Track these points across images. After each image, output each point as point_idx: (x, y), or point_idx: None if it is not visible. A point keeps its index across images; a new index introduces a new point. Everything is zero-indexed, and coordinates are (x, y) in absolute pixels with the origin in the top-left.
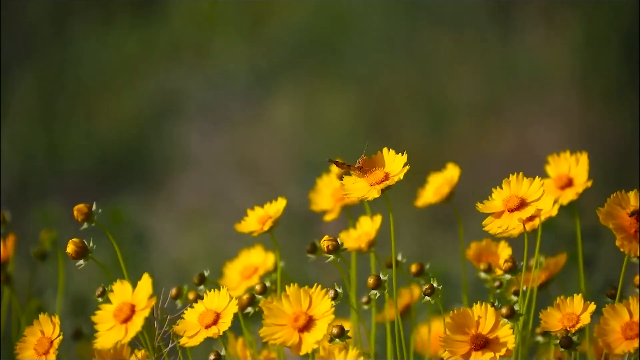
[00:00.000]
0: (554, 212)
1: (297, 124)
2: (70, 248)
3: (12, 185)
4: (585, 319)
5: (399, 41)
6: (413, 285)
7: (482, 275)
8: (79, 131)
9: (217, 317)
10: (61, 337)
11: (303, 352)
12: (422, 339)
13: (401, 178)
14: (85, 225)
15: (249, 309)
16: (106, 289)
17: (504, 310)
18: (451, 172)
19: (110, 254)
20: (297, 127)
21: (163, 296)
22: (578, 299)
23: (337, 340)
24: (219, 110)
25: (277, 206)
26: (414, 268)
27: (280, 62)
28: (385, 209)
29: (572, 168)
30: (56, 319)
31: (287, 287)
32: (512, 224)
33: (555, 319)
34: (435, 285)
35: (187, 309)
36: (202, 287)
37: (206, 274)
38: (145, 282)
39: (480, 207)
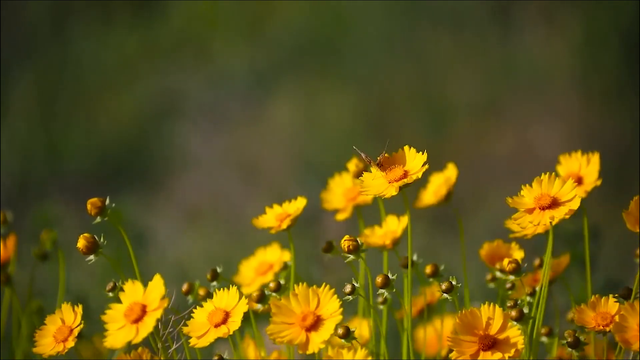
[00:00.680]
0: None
1: (297, 124)
2: (81, 243)
3: (12, 185)
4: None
5: (399, 41)
6: (429, 287)
7: (498, 274)
8: (79, 131)
9: (227, 315)
10: (82, 325)
11: (310, 351)
12: (428, 337)
13: (419, 177)
14: (98, 219)
15: (258, 306)
16: (117, 284)
17: (513, 313)
18: (449, 173)
19: (111, 254)
20: (297, 127)
21: (168, 296)
22: (612, 300)
23: (344, 340)
24: (219, 110)
25: (297, 205)
26: (428, 269)
27: (280, 62)
28: (394, 211)
29: (583, 167)
30: (79, 309)
31: (295, 286)
32: (544, 220)
33: (589, 317)
34: (454, 283)
35: (194, 309)
36: (214, 283)
37: (219, 270)
38: (158, 283)
39: (510, 201)
